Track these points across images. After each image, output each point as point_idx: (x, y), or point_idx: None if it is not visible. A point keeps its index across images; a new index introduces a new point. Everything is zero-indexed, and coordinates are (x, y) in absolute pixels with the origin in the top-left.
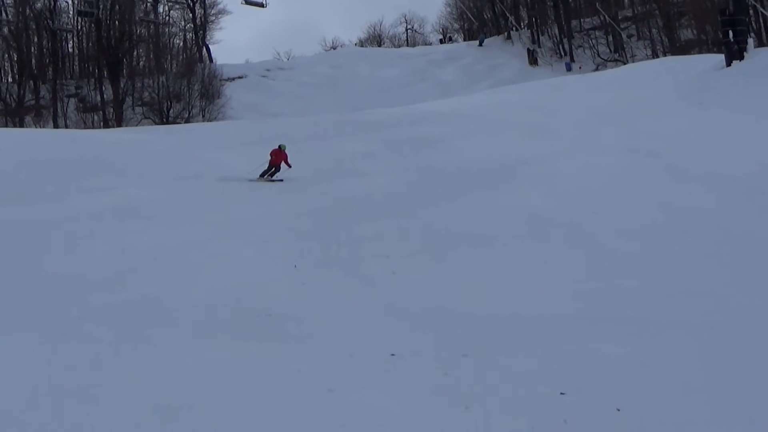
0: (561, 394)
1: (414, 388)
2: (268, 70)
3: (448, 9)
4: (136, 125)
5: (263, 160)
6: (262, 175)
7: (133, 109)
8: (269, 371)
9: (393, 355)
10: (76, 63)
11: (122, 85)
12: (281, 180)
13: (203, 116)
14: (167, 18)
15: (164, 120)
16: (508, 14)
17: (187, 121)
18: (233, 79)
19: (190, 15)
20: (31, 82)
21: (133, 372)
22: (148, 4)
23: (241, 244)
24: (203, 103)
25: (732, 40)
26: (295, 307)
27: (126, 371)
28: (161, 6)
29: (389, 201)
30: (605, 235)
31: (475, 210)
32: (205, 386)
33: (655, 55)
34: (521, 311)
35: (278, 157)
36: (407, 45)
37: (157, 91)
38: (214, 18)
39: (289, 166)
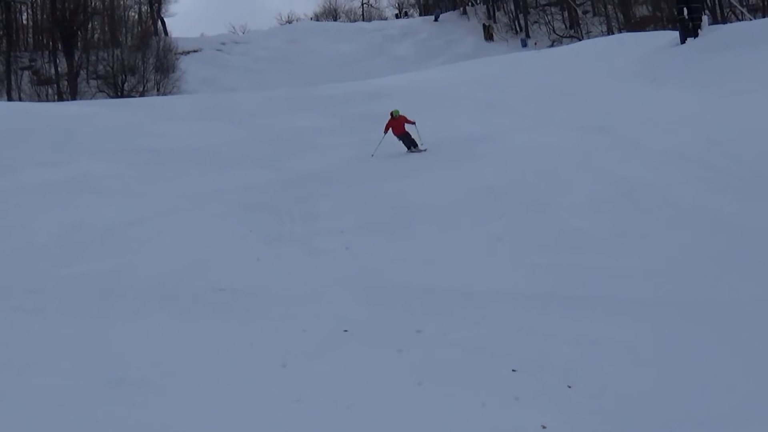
0: (513, 371)
1: (367, 363)
2: (223, 44)
3: None
4: (91, 98)
5: (379, 138)
6: (409, 147)
7: (88, 83)
8: (222, 345)
9: (346, 330)
10: (30, 35)
11: (77, 58)
12: (425, 149)
13: (158, 90)
14: None
15: (119, 93)
16: None
17: (142, 94)
18: (188, 52)
19: None
20: None
21: (86, 346)
22: None
23: (195, 218)
24: (158, 77)
25: (686, 17)
26: (248, 281)
27: (78, 345)
28: None
29: (344, 176)
30: (559, 211)
31: (430, 185)
32: (158, 360)
33: (610, 32)
34: (475, 287)
35: (398, 125)
36: (363, 20)
37: (111, 65)
38: None
39: (413, 122)
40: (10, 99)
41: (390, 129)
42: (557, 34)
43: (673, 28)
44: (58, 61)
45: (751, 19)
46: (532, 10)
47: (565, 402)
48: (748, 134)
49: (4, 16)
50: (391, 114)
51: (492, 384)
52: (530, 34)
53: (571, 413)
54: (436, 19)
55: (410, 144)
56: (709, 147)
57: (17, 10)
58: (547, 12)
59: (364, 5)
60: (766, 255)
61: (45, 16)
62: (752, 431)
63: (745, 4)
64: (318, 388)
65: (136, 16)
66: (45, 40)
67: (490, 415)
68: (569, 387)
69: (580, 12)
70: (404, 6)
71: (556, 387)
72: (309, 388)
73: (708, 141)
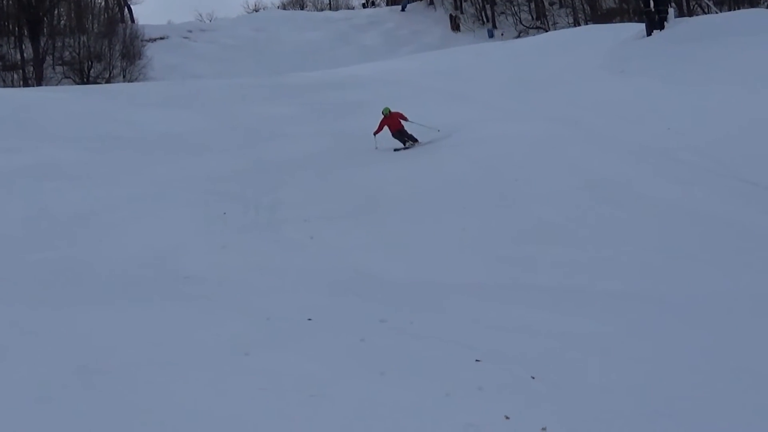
0: (476, 361)
1: (330, 352)
2: (190, 31)
3: None
4: (57, 84)
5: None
6: (405, 143)
7: (54, 69)
8: (187, 333)
9: (310, 319)
10: None
11: (42, 44)
12: (438, 130)
13: (124, 77)
14: None
15: (85, 80)
16: None
17: (108, 81)
18: (155, 39)
19: None
20: None
21: (52, 334)
22: None
23: (161, 206)
24: (124, 64)
25: (653, 9)
26: (213, 270)
27: (45, 333)
28: None
29: (310, 165)
30: (525, 203)
31: (397, 175)
32: (123, 348)
33: (576, 23)
34: (439, 277)
35: (394, 122)
36: (330, 8)
37: (77, 51)
38: None
39: (407, 119)
40: None
41: (385, 128)
42: (524, 25)
43: (640, 21)
44: (23, 46)
45: (717, 12)
46: (498, 1)
47: (529, 393)
48: (715, 126)
49: None
50: (383, 113)
51: (455, 374)
52: (497, 25)
53: (535, 404)
54: (403, 9)
55: (408, 138)
56: (676, 138)
57: None
58: (514, 3)
59: None
60: (736, 246)
61: (11, 2)
62: (719, 423)
63: None
64: (281, 377)
65: (103, 3)
66: (10, 26)
67: (453, 405)
68: (533, 378)
69: (546, 3)
70: None
71: (520, 378)
72: (272, 377)
73: (675, 133)
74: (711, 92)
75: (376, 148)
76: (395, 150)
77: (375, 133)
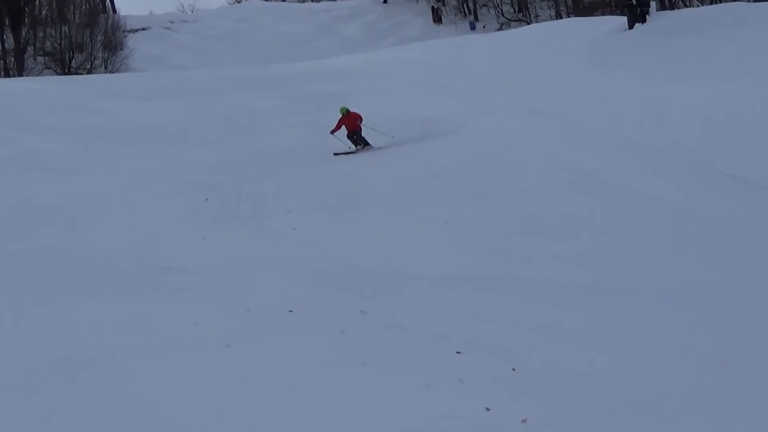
0: (457, 353)
1: (311, 344)
2: (171, 22)
3: None
4: (38, 75)
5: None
6: (359, 146)
7: (35, 59)
8: (167, 325)
9: (291, 311)
10: None
11: (24, 34)
12: (392, 137)
13: (105, 68)
14: None
15: (66, 70)
16: None
17: (90, 72)
18: (136, 30)
19: None
20: None
21: (33, 325)
22: None
23: (143, 197)
24: (106, 55)
25: (635, 2)
26: (194, 261)
27: (25, 325)
28: None
29: (291, 156)
30: (507, 196)
31: (378, 168)
32: (105, 339)
33: (558, 16)
34: (421, 270)
35: (352, 122)
36: (312, 0)
37: (59, 41)
38: None
39: (362, 120)
40: None
41: (342, 127)
42: (506, 18)
43: (622, 14)
44: (5, 37)
45: (698, 5)
46: None
47: (510, 385)
48: (696, 120)
49: None
50: (341, 112)
51: (436, 366)
52: (479, 17)
53: (516, 396)
54: (385, 1)
55: (361, 142)
56: (657, 132)
57: None
58: None
59: None
60: (714, 240)
61: None
62: (700, 416)
63: None
64: (262, 369)
65: None
66: None
67: (433, 396)
68: (513, 370)
69: None
70: None
71: (501, 370)
72: (253, 369)
73: (657, 126)
74: (691, 85)
75: (349, 148)
76: (335, 154)
77: (332, 132)
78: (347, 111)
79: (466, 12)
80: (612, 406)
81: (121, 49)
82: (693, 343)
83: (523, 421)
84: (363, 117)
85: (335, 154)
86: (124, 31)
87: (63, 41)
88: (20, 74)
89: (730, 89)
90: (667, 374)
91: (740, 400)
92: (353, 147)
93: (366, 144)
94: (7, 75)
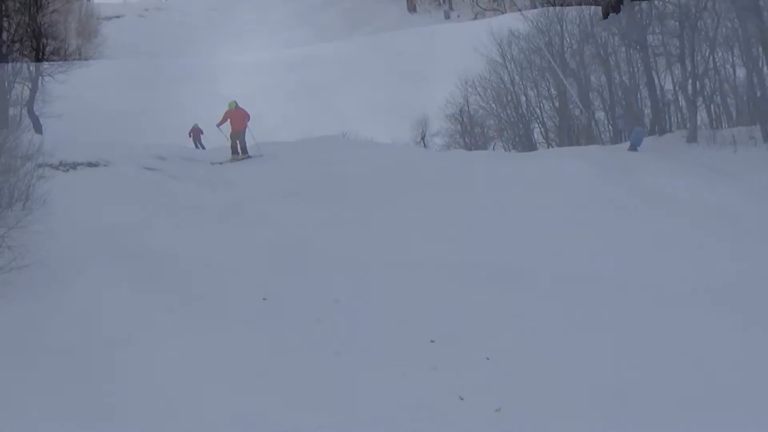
0: (431, 341)
1: (285, 332)
2: (146, 9)
3: None
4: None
5: (220, 133)
6: (236, 154)
7: (8, 46)
8: (142, 311)
9: (265, 299)
10: None
11: None
12: (261, 154)
13: (79, 55)
14: None
15: (39, 58)
16: None
17: (63, 59)
18: (110, 18)
19: None
20: None
21: (9, 312)
22: None
23: (116, 185)
24: (79, 42)
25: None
26: (166, 249)
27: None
28: None
29: (263, 145)
30: (479, 186)
31: (350, 155)
32: (74, 327)
33: (534, 6)
34: (394, 258)
35: (238, 120)
36: None
37: (32, 28)
38: None
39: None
40: None
41: (227, 122)
42: (480, 7)
43: (596, 3)
44: None
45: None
46: None
47: (483, 373)
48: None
49: None
50: (230, 106)
51: (410, 354)
52: (453, 6)
53: (490, 385)
54: None
55: (241, 147)
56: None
57: None
58: None
59: None
60: (697, 236)
61: None
62: (668, 401)
63: None
64: (234, 357)
65: None
66: None
67: (408, 384)
68: (488, 359)
69: None
70: None
71: (475, 358)
72: (225, 357)
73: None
74: None
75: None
76: (212, 163)
77: (218, 125)
78: (236, 105)
79: (441, 1)
80: (587, 395)
81: (95, 36)
82: (678, 333)
83: (497, 410)
84: (251, 117)
85: (212, 163)
86: (98, 19)
87: (36, 28)
88: None
89: None
90: (642, 366)
91: (725, 394)
92: (231, 156)
93: (245, 152)
94: None
